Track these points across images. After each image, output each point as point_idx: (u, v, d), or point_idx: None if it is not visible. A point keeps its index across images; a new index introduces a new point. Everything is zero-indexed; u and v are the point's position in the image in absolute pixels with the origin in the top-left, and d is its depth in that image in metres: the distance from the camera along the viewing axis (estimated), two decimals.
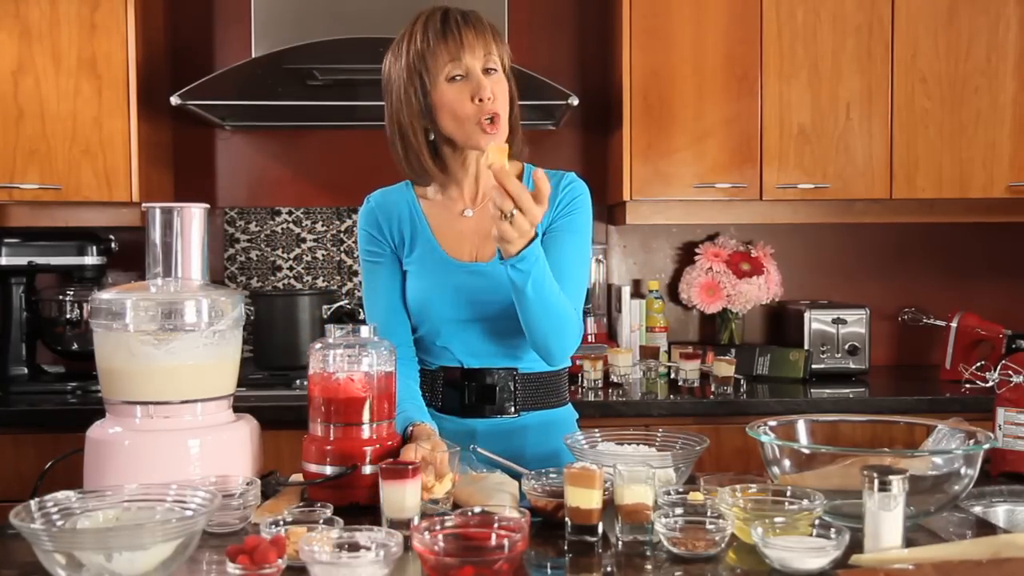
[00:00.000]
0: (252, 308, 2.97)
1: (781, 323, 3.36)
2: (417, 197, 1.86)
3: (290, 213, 3.36)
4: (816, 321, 3.11)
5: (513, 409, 1.81)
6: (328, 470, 1.51)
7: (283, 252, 3.36)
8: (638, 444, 1.64)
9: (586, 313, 3.14)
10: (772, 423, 1.55)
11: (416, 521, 1.34)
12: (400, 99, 1.74)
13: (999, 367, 1.75)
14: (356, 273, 3.33)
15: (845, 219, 3.23)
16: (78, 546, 1.12)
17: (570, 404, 1.94)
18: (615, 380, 2.92)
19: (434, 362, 1.85)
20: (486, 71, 1.71)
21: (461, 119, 1.71)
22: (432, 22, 1.71)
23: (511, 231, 1.52)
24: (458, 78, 1.70)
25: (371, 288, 1.87)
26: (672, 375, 2.99)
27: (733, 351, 3.09)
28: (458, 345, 1.82)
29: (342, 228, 3.36)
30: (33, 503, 1.20)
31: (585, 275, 1.83)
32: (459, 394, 1.82)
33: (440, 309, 1.80)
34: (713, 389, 2.84)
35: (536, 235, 1.57)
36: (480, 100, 1.69)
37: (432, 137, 1.77)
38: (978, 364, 2.47)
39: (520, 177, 1.83)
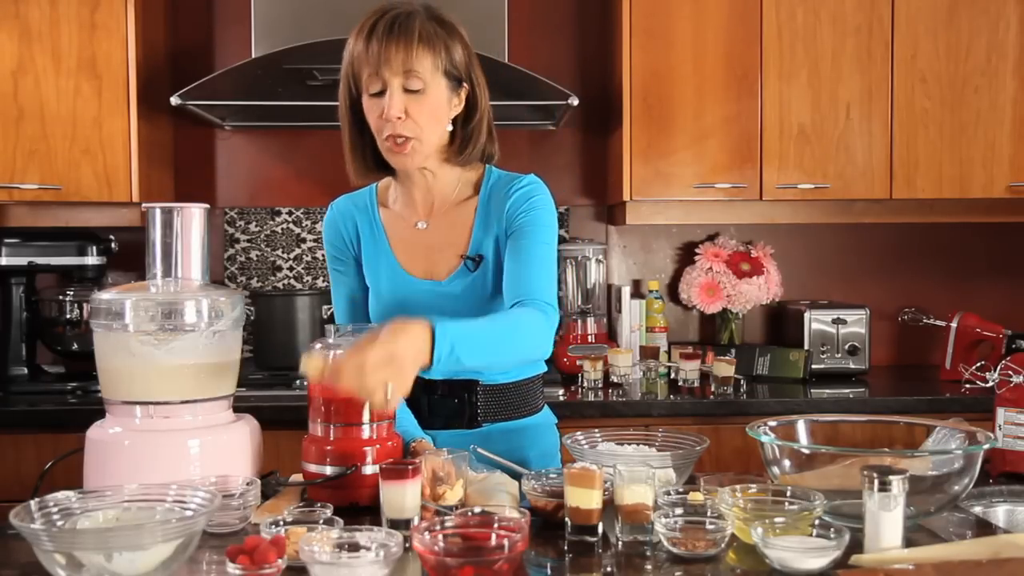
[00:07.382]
0: (252, 308, 2.97)
1: (781, 323, 3.36)
2: (378, 205, 1.84)
3: (290, 213, 3.36)
4: (816, 321, 3.11)
5: (473, 422, 1.78)
6: (328, 470, 1.51)
7: (283, 252, 3.36)
8: (638, 444, 1.64)
9: (586, 313, 3.14)
10: (772, 423, 1.55)
11: (416, 521, 1.34)
12: (339, 96, 1.73)
13: (999, 367, 1.75)
14: None
15: (845, 219, 3.23)
16: (78, 546, 1.13)
17: (546, 409, 1.91)
18: (615, 380, 2.91)
19: None
20: (406, 89, 1.63)
21: (376, 135, 1.68)
22: (365, 28, 1.64)
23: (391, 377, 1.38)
24: (379, 94, 1.64)
25: (337, 296, 1.86)
26: (672, 375, 2.98)
27: (733, 351, 3.09)
28: None
29: None
30: (33, 503, 1.20)
31: (552, 268, 1.73)
32: (417, 407, 1.78)
33: None
34: (713, 389, 2.83)
35: (432, 327, 1.44)
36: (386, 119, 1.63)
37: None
38: (978, 364, 2.46)
39: (481, 179, 1.79)
